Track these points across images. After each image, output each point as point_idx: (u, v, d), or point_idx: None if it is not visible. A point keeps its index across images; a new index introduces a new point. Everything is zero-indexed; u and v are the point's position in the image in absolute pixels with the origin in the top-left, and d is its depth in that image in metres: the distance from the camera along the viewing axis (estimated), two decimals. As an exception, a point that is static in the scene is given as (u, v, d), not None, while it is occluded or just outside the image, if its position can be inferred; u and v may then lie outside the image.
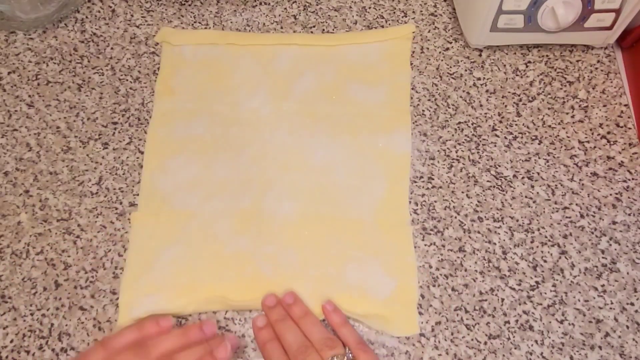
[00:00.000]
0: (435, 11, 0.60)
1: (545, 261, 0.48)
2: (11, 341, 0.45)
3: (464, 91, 0.56)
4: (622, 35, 0.55)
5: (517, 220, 0.49)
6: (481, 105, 0.55)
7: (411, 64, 0.57)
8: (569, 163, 0.52)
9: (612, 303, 0.46)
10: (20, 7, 0.57)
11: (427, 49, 0.58)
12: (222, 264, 0.48)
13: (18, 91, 0.56)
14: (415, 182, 0.51)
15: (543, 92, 0.56)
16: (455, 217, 0.50)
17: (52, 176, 0.52)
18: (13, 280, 0.47)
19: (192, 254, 0.48)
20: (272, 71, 0.57)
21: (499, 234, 0.49)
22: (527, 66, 0.57)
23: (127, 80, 0.57)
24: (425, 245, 0.49)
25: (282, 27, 0.59)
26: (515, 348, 0.44)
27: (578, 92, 0.56)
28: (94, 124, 0.54)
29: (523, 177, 0.51)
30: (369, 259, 0.48)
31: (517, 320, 0.45)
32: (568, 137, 0.53)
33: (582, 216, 0.50)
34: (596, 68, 0.57)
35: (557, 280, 0.47)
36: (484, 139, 0.53)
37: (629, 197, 0.50)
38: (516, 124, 0.54)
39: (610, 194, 0.51)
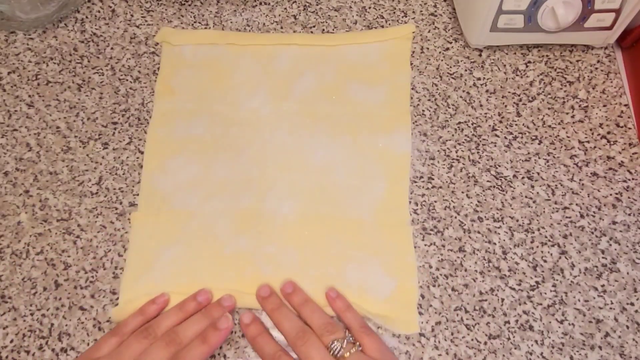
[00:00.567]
0: (435, 11, 0.60)
1: (545, 261, 0.48)
2: (11, 341, 0.45)
3: (464, 91, 0.56)
4: (622, 35, 0.55)
5: (517, 220, 0.50)
6: (481, 105, 0.55)
7: (411, 64, 0.57)
8: (569, 163, 0.52)
9: (612, 303, 0.46)
10: (20, 7, 0.57)
11: (427, 49, 0.58)
12: (222, 264, 0.48)
13: (18, 91, 0.56)
14: (415, 182, 0.51)
15: (543, 92, 0.56)
16: (455, 217, 0.50)
17: (52, 176, 0.52)
18: (13, 280, 0.47)
19: (192, 254, 0.48)
20: (272, 71, 0.57)
21: (499, 234, 0.49)
22: (527, 66, 0.57)
23: (127, 80, 0.57)
24: (425, 245, 0.49)
25: (282, 27, 0.60)
26: (515, 348, 0.44)
27: (578, 92, 0.56)
28: (94, 124, 0.54)
29: (523, 177, 0.51)
30: (369, 259, 0.48)
31: (517, 320, 0.46)
32: (568, 137, 0.53)
33: (582, 216, 0.50)
34: (596, 68, 0.57)
35: (557, 280, 0.47)
36: (484, 139, 0.53)
37: (629, 197, 0.50)
38: (516, 124, 0.54)
39: (610, 194, 0.51)
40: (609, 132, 0.54)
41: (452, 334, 0.45)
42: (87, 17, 0.60)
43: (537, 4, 0.50)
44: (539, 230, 0.49)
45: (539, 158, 0.52)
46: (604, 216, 0.50)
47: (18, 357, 0.44)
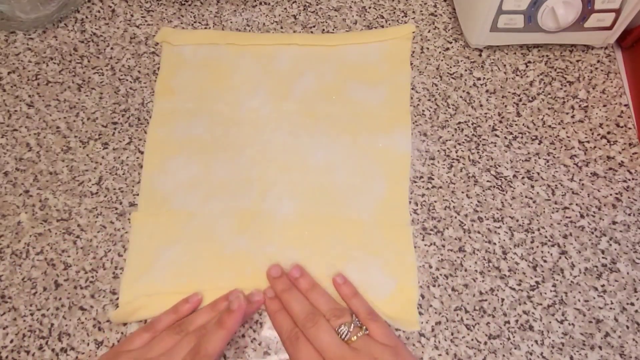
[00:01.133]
0: (435, 11, 0.60)
1: (545, 261, 0.48)
2: (11, 341, 0.45)
3: (464, 91, 0.56)
4: (622, 35, 0.55)
5: (517, 220, 0.50)
6: (481, 105, 0.55)
7: (411, 64, 0.57)
8: (569, 163, 0.52)
9: (612, 303, 0.46)
10: (20, 7, 0.57)
11: (427, 49, 0.58)
12: (222, 264, 0.48)
13: (18, 91, 0.56)
14: (415, 182, 0.51)
15: (543, 92, 0.56)
16: (455, 217, 0.50)
17: (52, 176, 0.52)
18: (13, 280, 0.47)
19: (192, 254, 0.48)
20: (272, 71, 0.57)
21: (499, 234, 0.49)
22: (527, 66, 0.57)
23: (127, 80, 0.57)
24: (425, 245, 0.49)
25: (282, 27, 0.60)
26: (515, 348, 0.44)
27: (578, 92, 0.56)
28: (94, 124, 0.54)
29: (523, 177, 0.51)
30: (369, 259, 0.48)
31: (517, 320, 0.46)
32: (568, 137, 0.53)
33: (582, 216, 0.50)
34: (596, 68, 0.57)
35: (557, 280, 0.47)
36: (484, 139, 0.53)
37: (629, 197, 0.50)
38: (516, 124, 0.54)
39: (610, 194, 0.51)
40: (609, 132, 0.54)
41: (452, 334, 0.45)
42: (87, 17, 0.60)
43: (537, 4, 0.50)
44: (539, 230, 0.49)
45: (539, 158, 0.52)
46: (604, 216, 0.50)
47: (18, 357, 0.44)
